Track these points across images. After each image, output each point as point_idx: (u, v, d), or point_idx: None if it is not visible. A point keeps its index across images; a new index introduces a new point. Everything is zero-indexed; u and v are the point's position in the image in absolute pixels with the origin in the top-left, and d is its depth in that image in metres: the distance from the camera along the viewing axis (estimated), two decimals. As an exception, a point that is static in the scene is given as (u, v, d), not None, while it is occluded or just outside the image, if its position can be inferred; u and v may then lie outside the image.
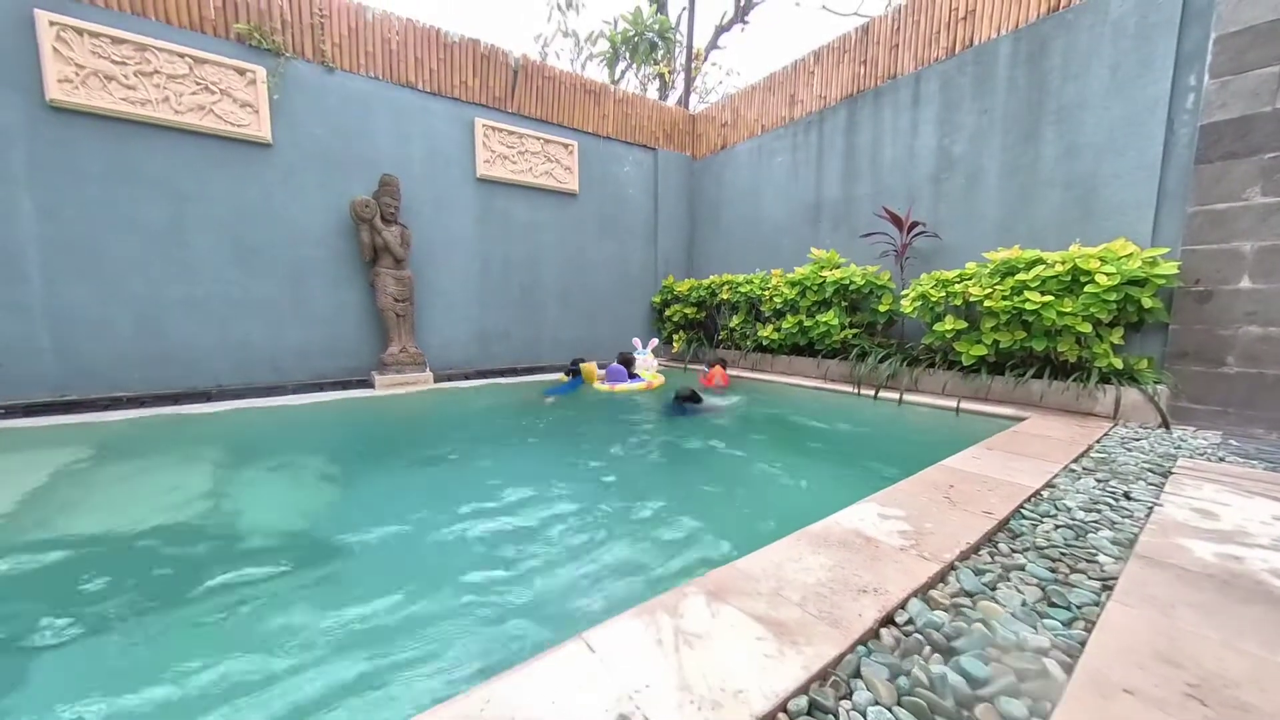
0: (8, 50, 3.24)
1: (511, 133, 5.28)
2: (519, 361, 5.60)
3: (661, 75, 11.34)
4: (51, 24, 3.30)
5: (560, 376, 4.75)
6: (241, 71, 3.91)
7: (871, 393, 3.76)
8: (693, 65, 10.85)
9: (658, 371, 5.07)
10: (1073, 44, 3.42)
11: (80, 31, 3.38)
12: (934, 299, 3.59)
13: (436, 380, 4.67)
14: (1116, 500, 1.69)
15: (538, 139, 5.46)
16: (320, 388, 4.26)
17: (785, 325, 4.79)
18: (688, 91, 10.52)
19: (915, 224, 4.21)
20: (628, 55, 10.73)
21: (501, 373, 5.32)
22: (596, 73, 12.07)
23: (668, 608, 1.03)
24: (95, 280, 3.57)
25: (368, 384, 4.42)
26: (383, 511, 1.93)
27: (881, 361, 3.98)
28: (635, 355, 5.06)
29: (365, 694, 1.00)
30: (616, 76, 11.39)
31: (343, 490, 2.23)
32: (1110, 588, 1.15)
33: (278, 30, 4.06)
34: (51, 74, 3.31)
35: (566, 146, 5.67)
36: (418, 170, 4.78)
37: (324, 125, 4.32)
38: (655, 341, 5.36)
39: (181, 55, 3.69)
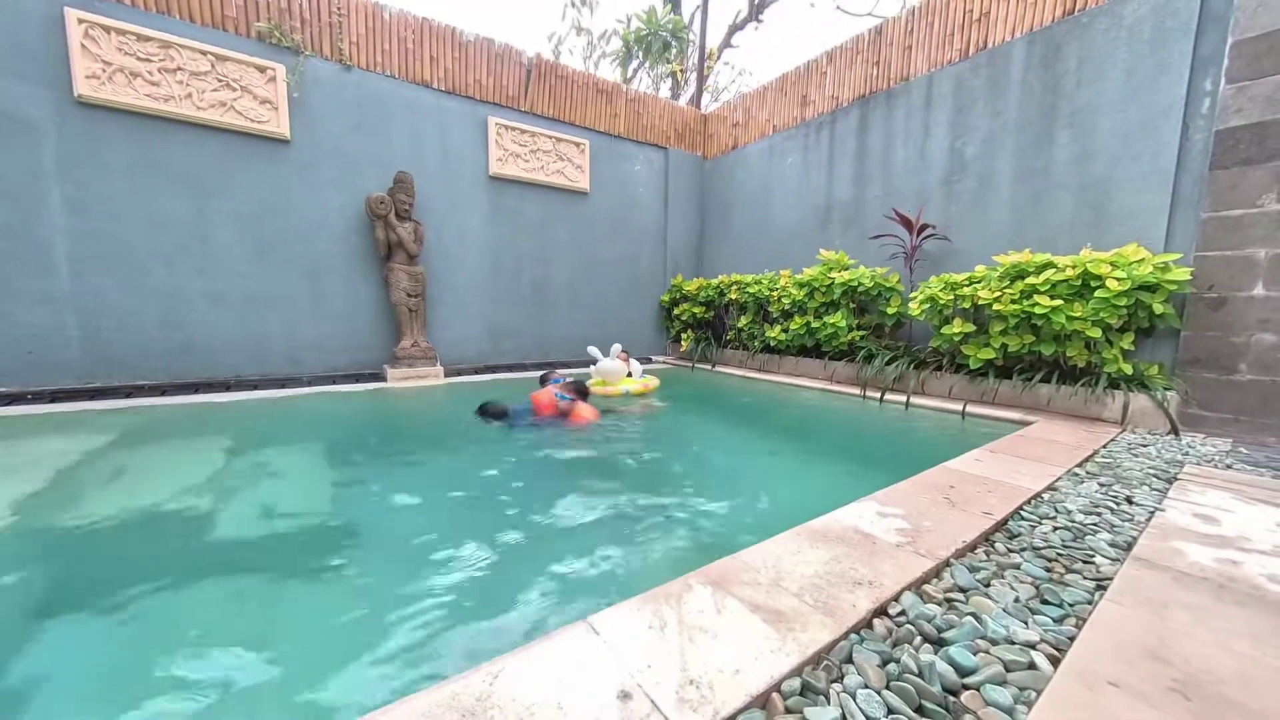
0: (40, 48, 3.35)
1: (524, 131, 5.34)
2: (528, 358, 5.66)
3: (674, 74, 11.35)
4: (80, 21, 3.40)
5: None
6: (261, 69, 3.99)
7: (877, 395, 3.77)
8: (705, 64, 10.85)
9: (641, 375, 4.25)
10: (1087, 47, 3.39)
11: (108, 29, 3.48)
12: (942, 302, 3.59)
13: (447, 375, 4.75)
14: (1118, 504, 1.70)
15: (550, 137, 5.51)
16: (334, 380, 4.35)
17: (793, 326, 4.80)
18: (700, 91, 10.51)
19: (925, 226, 4.20)
20: (640, 54, 10.75)
21: (511, 368, 5.38)
22: (609, 72, 12.10)
23: (670, 595, 1.07)
24: (120, 272, 3.68)
25: (379, 377, 4.50)
26: (398, 494, 1.99)
27: (888, 364, 3.98)
28: (605, 360, 4.02)
29: (370, 669, 1.05)
30: (629, 75, 11.41)
31: (366, 474, 2.30)
32: (1104, 588, 1.17)
33: (297, 28, 4.14)
34: (80, 70, 3.42)
35: (578, 145, 5.72)
36: (431, 168, 4.85)
37: (341, 122, 4.40)
38: (618, 346, 4.12)
39: (204, 52, 3.78)
